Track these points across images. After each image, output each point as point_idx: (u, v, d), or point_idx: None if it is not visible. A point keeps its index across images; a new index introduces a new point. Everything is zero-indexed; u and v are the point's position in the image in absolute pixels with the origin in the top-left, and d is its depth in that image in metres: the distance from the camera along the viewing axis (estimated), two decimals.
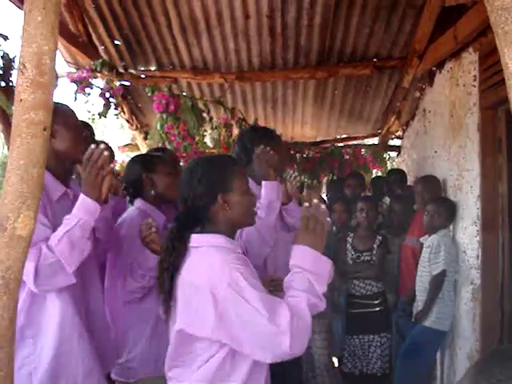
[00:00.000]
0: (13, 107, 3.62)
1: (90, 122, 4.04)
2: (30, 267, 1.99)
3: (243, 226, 2.15)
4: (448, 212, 4.14)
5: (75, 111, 2.48)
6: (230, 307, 1.75)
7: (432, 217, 4.13)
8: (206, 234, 1.96)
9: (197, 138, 5.34)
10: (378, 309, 4.58)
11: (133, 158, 3.26)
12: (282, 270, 2.57)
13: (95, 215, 2.20)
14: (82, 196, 2.19)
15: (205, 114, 5.43)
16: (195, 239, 1.94)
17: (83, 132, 2.47)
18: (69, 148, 2.32)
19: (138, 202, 2.97)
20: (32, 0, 1.40)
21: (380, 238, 4.65)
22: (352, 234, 4.81)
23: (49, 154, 2.16)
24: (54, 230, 2.15)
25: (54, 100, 2.32)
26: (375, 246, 4.61)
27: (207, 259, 1.86)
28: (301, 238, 1.95)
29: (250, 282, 1.77)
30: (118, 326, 2.79)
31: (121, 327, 2.79)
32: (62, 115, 2.27)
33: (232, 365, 1.84)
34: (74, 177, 2.75)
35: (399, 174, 5.76)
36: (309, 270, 1.87)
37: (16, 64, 3.92)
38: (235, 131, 5.90)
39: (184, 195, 2.01)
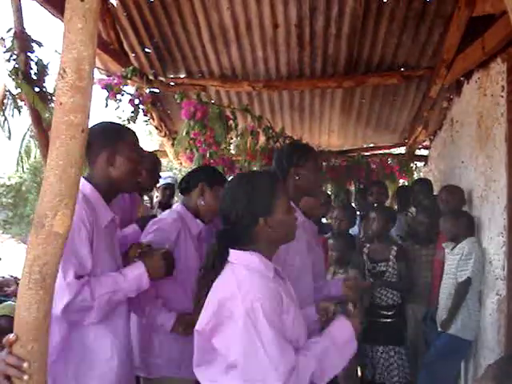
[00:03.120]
0: (46, 111, 3.73)
1: None
2: (64, 298, 2.04)
3: (284, 243, 2.12)
4: (465, 224, 4.16)
5: (139, 141, 2.49)
6: (239, 331, 1.77)
7: (450, 228, 4.16)
8: (243, 252, 1.95)
9: (223, 146, 5.40)
10: (389, 320, 4.55)
11: (200, 168, 3.46)
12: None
13: (141, 291, 2.33)
14: (143, 270, 2.29)
15: (231, 122, 5.49)
16: (232, 254, 1.96)
17: (141, 166, 2.49)
18: (122, 179, 2.33)
19: (179, 207, 3.03)
20: (73, 8, 1.46)
21: (396, 248, 4.63)
22: (368, 245, 4.80)
23: (101, 178, 2.25)
24: (96, 258, 2.20)
25: (123, 124, 2.41)
26: (391, 256, 4.59)
27: (237, 278, 1.87)
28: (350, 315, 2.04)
29: (267, 316, 1.77)
30: (144, 327, 2.85)
31: (148, 328, 2.84)
32: (127, 146, 2.32)
33: None
34: None
35: (425, 183, 5.72)
36: (338, 347, 1.92)
37: (49, 70, 4.03)
38: (261, 139, 5.95)
39: (226, 214, 2.02)
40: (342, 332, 1.98)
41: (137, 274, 2.27)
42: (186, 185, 3.08)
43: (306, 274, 2.83)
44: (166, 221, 2.91)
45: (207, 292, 1.92)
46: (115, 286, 2.19)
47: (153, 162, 4.08)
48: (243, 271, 1.89)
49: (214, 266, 1.96)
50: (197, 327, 1.90)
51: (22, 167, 4.22)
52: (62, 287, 2.02)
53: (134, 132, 2.44)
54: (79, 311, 2.12)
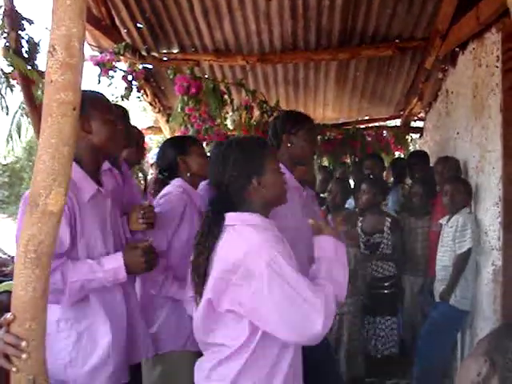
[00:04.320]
0: (39, 89, 3.71)
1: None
2: None
3: (277, 204, 2.13)
4: (465, 190, 4.14)
5: (110, 102, 2.48)
6: (266, 285, 1.77)
7: (451, 196, 4.12)
8: (242, 213, 1.97)
9: (218, 121, 5.38)
10: (386, 291, 4.59)
11: (165, 142, 3.32)
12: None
13: (116, 283, 2.27)
14: (121, 263, 2.23)
15: (226, 97, 5.46)
16: (230, 217, 1.95)
17: (119, 126, 2.48)
18: (105, 143, 2.31)
19: (179, 181, 3.01)
20: None
21: (389, 220, 4.64)
22: (361, 218, 4.81)
23: (83, 148, 2.22)
24: (81, 233, 2.19)
25: (90, 89, 2.38)
26: (385, 228, 4.60)
27: (243, 236, 1.88)
28: (324, 230, 2.07)
29: (287, 261, 1.80)
30: (149, 303, 2.86)
31: (152, 304, 2.85)
32: (99, 109, 2.30)
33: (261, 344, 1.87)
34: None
35: (421, 155, 5.70)
36: (332, 257, 1.99)
37: (40, 48, 4.00)
38: (256, 113, 5.93)
39: (217, 179, 2.03)
40: (327, 245, 2.03)
41: (115, 266, 2.22)
42: (170, 171, 3.07)
43: (302, 239, 2.82)
44: (173, 194, 2.92)
45: (207, 257, 1.92)
46: (90, 274, 2.15)
47: (136, 134, 4.03)
48: (249, 229, 1.90)
49: (210, 231, 1.95)
50: (205, 295, 1.90)
51: (13, 145, 4.21)
52: None
53: (102, 94, 2.41)
54: (51, 293, 2.06)
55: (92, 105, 2.28)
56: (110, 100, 2.58)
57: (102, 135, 2.29)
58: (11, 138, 4.14)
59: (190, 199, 2.95)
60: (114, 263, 2.23)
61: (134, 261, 2.27)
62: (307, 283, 1.80)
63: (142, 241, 2.40)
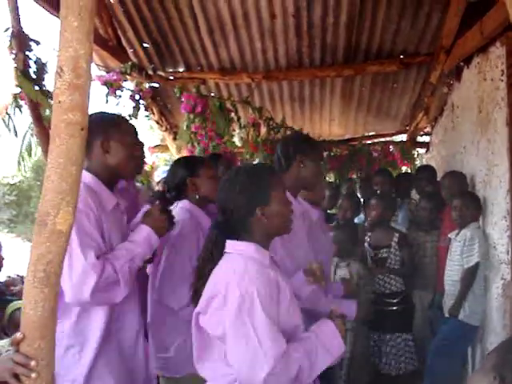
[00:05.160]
0: (47, 109, 3.74)
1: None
2: (90, 280, 2.07)
3: (279, 234, 2.15)
4: (475, 204, 4.13)
5: (134, 127, 2.53)
6: (233, 316, 1.79)
7: (460, 211, 4.11)
8: (239, 242, 1.98)
9: (225, 138, 5.40)
10: (394, 308, 4.56)
11: (176, 161, 3.30)
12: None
13: (153, 250, 2.39)
14: (148, 230, 2.33)
15: (233, 114, 5.48)
16: (228, 245, 1.98)
17: (138, 151, 2.51)
18: (120, 165, 2.35)
19: (186, 203, 3.00)
20: (68, 6, 1.46)
21: (397, 235, 4.62)
22: (370, 233, 4.79)
23: (99, 166, 2.28)
24: (109, 241, 2.24)
25: (114, 112, 2.43)
26: (393, 243, 4.58)
27: (232, 266, 1.90)
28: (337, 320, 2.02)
29: (262, 301, 1.79)
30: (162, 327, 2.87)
31: (169, 324, 2.86)
32: (120, 132, 2.34)
33: None
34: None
35: (429, 170, 5.68)
36: (325, 343, 1.92)
37: (48, 68, 4.03)
38: (263, 130, 5.95)
39: (223, 205, 2.05)
40: (327, 331, 1.96)
41: (144, 235, 2.31)
42: (178, 191, 3.06)
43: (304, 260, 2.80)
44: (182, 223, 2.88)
45: (205, 282, 1.94)
46: (130, 253, 2.24)
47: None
48: (239, 259, 1.91)
49: (212, 256, 1.99)
50: (194, 316, 1.94)
51: (24, 166, 4.24)
52: (85, 271, 2.07)
53: (124, 118, 2.48)
54: (107, 290, 2.15)
55: (114, 126, 2.34)
56: None
57: (118, 157, 2.33)
58: (23, 159, 4.16)
59: (197, 224, 2.93)
60: (142, 233, 2.33)
61: (156, 222, 2.38)
62: (272, 331, 1.77)
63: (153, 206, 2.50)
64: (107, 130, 2.27)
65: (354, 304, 2.91)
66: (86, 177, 2.23)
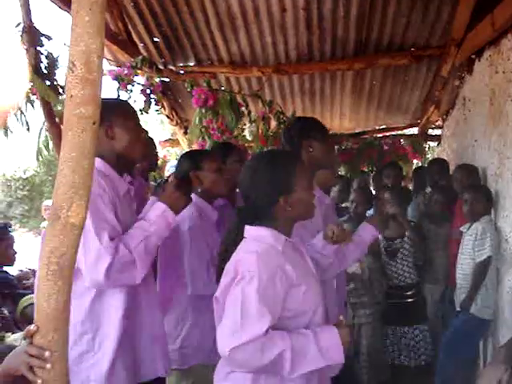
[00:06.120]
0: (59, 104, 3.76)
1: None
2: (104, 261, 2.08)
3: (302, 220, 2.14)
4: (486, 197, 4.10)
5: (135, 110, 2.55)
6: (229, 288, 1.85)
7: (471, 204, 4.09)
8: (255, 227, 1.98)
9: (235, 132, 5.40)
10: (410, 300, 4.56)
11: (182, 155, 3.32)
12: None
13: (171, 227, 2.35)
14: (163, 207, 2.31)
15: (243, 108, 5.48)
16: (247, 230, 1.99)
17: (142, 133, 2.51)
18: (127, 149, 2.36)
19: (193, 197, 2.97)
20: (79, 1, 1.47)
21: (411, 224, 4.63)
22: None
23: (107, 154, 2.29)
24: (122, 222, 2.24)
25: (115, 98, 2.42)
26: (407, 233, 4.58)
27: (244, 248, 1.94)
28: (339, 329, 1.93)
29: (261, 285, 1.80)
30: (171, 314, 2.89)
31: (175, 316, 2.88)
32: (122, 116, 2.35)
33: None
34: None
35: (440, 163, 5.67)
36: (319, 347, 1.86)
37: (59, 63, 4.06)
38: (273, 124, 5.95)
39: (246, 192, 2.05)
40: (328, 337, 1.89)
41: (159, 213, 2.29)
42: None
43: None
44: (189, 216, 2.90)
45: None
46: (145, 232, 2.23)
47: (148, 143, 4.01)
48: (253, 243, 1.93)
49: (234, 241, 2.01)
50: (214, 300, 1.97)
51: (43, 160, 4.27)
52: (99, 253, 2.08)
53: (127, 102, 2.50)
54: (123, 271, 2.14)
55: (115, 111, 2.34)
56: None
57: (125, 141, 2.34)
58: (41, 154, 4.19)
59: (203, 219, 2.94)
60: (158, 210, 2.31)
61: (172, 198, 2.36)
62: (258, 313, 1.78)
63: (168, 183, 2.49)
64: (109, 117, 2.26)
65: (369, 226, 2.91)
66: (98, 163, 2.22)
